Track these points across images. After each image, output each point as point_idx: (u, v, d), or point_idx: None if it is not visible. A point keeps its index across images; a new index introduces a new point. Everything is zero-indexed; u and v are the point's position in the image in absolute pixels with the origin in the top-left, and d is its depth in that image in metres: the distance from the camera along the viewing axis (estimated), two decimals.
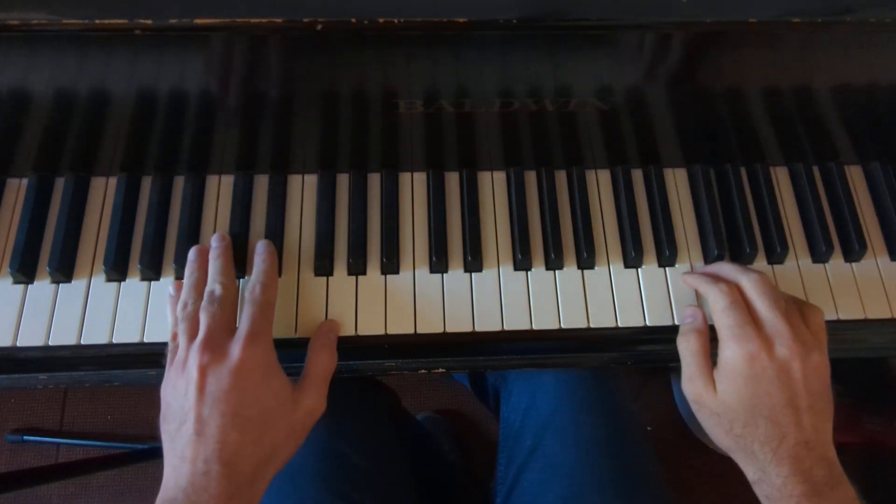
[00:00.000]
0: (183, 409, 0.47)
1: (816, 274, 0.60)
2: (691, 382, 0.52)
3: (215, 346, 0.48)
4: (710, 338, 0.53)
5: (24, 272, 0.56)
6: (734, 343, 0.49)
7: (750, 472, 0.49)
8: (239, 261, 0.57)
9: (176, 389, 0.48)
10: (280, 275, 0.58)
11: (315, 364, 0.52)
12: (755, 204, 0.63)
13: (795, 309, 0.52)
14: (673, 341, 0.55)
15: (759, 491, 0.49)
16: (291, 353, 0.53)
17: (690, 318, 0.56)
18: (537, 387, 0.68)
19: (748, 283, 0.52)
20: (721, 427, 0.50)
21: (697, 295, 0.58)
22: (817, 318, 0.52)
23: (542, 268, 0.59)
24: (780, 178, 0.65)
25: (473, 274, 0.59)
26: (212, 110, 0.53)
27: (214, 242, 0.56)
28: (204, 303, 0.50)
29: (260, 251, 0.56)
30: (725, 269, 0.56)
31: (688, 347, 0.53)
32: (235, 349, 0.48)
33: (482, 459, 1.21)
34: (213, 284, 0.52)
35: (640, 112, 0.56)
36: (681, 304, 0.58)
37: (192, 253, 0.55)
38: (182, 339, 0.49)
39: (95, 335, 0.55)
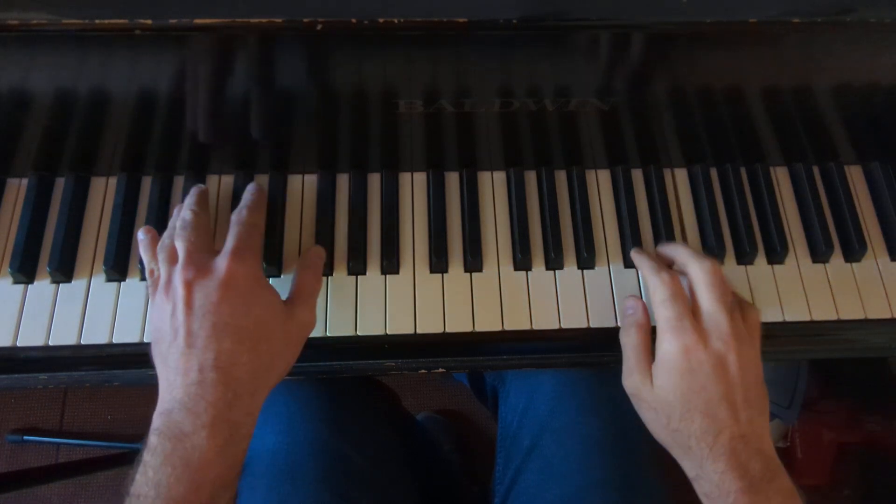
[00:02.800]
0: (172, 326, 0.46)
1: (816, 274, 0.60)
2: (629, 377, 0.52)
3: (198, 263, 0.48)
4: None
5: (24, 272, 0.56)
6: (671, 336, 0.49)
7: (688, 469, 0.49)
8: None
9: (163, 311, 0.47)
10: (280, 274, 0.58)
11: (302, 283, 0.53)
12: (755, 204, 0.63)
13: (736, 305, 0.52)
14: None
15: (698, 489, 0.48)
16: None
17: (631, 311, 0.55)
18: (535, 387, 0.68)
19: (697, 272, 0.51)
20: (658, 422, 0.50)
21: None
22: (754, 316, 0.53)
23: (542, 268, 0.59)
24: (780, 178, 0.65)
25: (473, 274, 0.59)
26: (211, 110, 0.53)
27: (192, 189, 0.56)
28: (176, 231, 0.51)
29: (250, 188, 0.57)
30: (680, 252, 0.55)
31: (628, 342, 0.53)
32: (221, 264, 0.48)
33: (482, 459, 1.21)
34: (184, 212, 0.52)
35: (641, 112, 0.56)
36: None
37: (195, 188, 0.56)
38: (163, 267, 0.49)
39: (95, 335, 0.55)
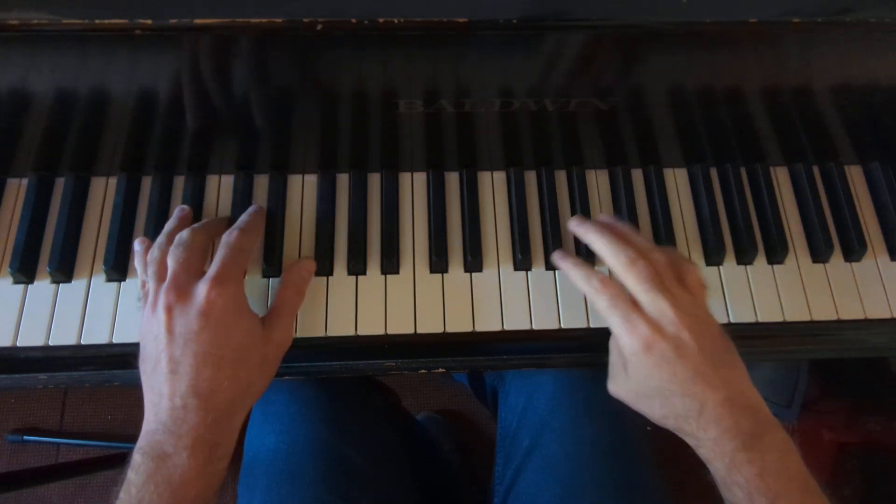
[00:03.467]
0: (156, 349, 0.47)
1: (816, 274, 0.60)
2: (610, 382, 0.53)
3: (181, 287, 0.48)
4: None
5: (24, 272, 0.56)
6: (627, 337, 0.49)
7: (690, 441, 0.50)
8: None
9: (149, 331, 0.48)
10: (279, 275, 0.58)
11: (282, 299, 0.54)
12: (755, 204, 0.63)
13: (671, 272, 0.51)
14: None
15: (701, 456, 0.49)
16: (290, 352, 0.53)
17: None
18: (534, 387, 0.68)
19: (617, 269, 0.51)
20: (650, 413, 0.51)
21: None
22: (693, 276, 0.52)
23: (542, 268, 0.59)
24: (780, 178, 0.65)
25: (473, 274, 0.59)
26: (212, 110, 0.53)
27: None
28: (171, 247, 0.51)
29: (249, 209, 0.57)
30: (594, 243, 0.53)
31: (612, 348, 0.53)
32: (202, 291, 0.48)
33: (482, 459, 1.21)
34: (184, 231, 0.52)
35: (640, 112, 0.56)
36: None
37: (177, 209, 0.57)
38: (151, 283, 0.50)
39: (95, 335, 0.55)
